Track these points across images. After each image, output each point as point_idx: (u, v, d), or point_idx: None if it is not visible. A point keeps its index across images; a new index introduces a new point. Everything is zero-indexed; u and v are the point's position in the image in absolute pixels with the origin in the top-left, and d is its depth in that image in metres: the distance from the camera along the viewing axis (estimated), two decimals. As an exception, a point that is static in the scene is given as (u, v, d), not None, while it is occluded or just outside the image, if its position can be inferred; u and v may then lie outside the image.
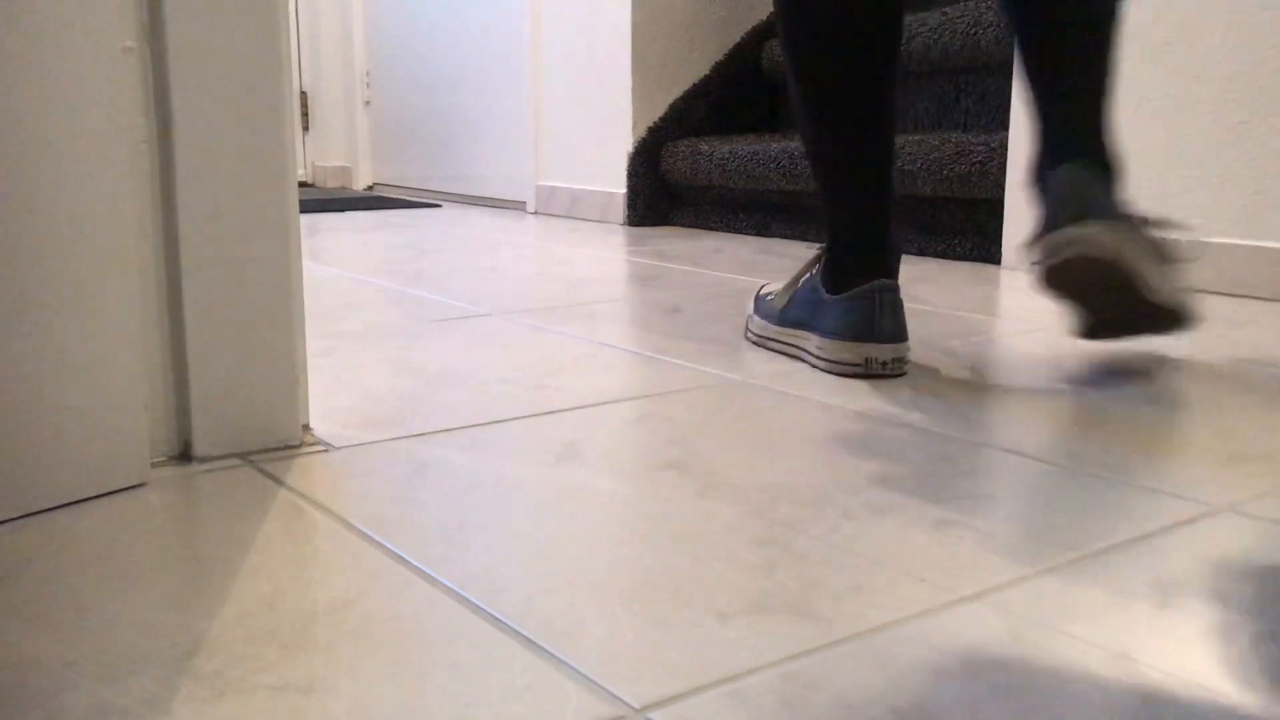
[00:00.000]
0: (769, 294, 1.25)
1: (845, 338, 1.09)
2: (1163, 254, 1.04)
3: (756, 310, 1.26)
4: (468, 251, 2.07)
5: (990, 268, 1.85)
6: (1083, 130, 1.06)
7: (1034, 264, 1.03)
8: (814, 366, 1.13)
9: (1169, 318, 1.06)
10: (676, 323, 1.36)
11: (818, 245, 1.17)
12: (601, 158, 2.65)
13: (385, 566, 0.64)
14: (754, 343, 1.25)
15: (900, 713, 0.48)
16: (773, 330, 1.22)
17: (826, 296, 1.13)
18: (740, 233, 2.40)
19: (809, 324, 1.15)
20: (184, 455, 0.82)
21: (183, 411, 0.82)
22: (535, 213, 2.86)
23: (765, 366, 1.13)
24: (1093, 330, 1.13)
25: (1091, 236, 0.97)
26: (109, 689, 0.50)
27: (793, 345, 1.19)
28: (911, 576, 0.62)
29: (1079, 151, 1.04)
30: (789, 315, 1.19)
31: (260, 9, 0.80)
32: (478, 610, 0.58)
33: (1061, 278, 1.02)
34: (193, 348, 0.81)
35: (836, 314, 1.11)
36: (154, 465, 0.81)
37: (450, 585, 0.61)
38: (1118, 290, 1.01)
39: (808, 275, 1.19)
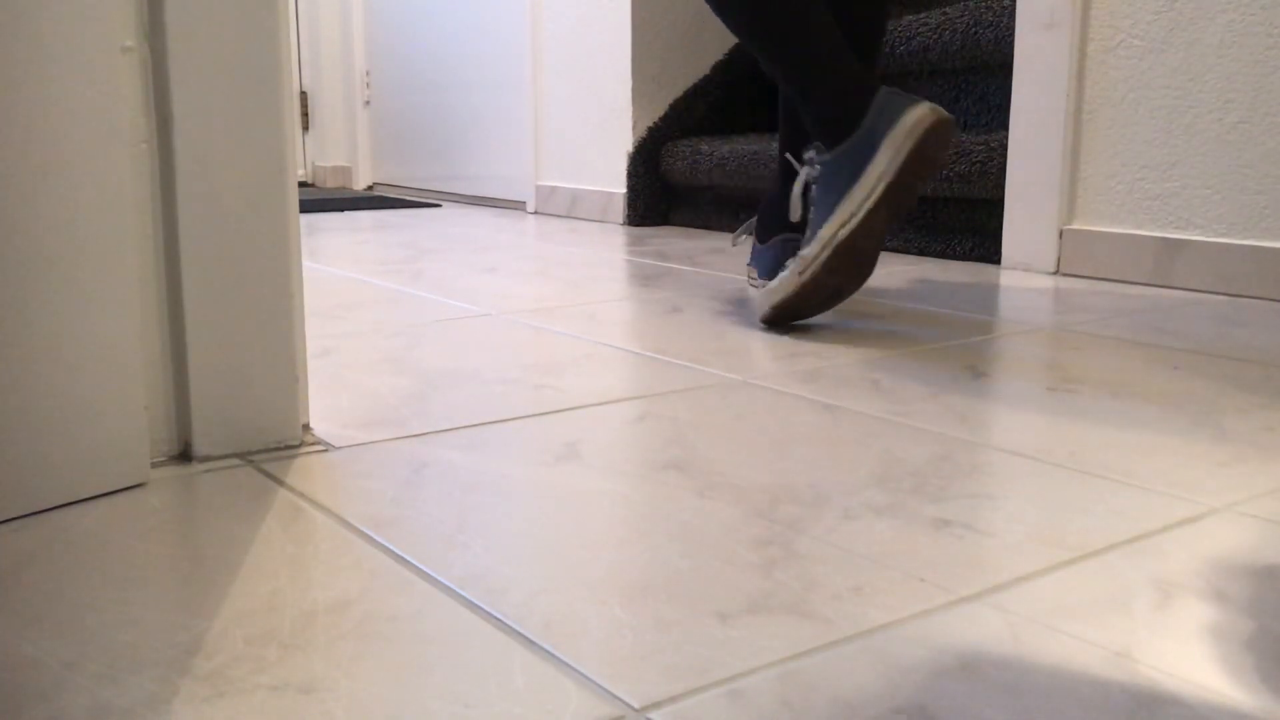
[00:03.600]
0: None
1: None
2: None
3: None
4: (468, 251, 2.07)
5: (990, 268, 1.85)
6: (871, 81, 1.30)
7: (896, 152, 1.22)
8: None
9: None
10: (676, 323, 1.36)
11: None
12: (601, 158, 2.65)
13: (385, 566, 0.64)
14: None
15: (900, 712, 0.48)
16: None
17: None
18: (740, 233, 2.39)
19: None
20: (184, 455, 0.82)
21: (183, 411, 0.82)
22: (535, 213, 2.86)
23: (765, 366, 1.13)
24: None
25: (930, 107, 1.21)
26: (109, 689, 0.50)
27: None
28: (911, 576, 0.62)
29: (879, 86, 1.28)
30: None
31: (260, 9, 0.80)
32: (478, 610, 0.58)
33: (923, 148, 1.21)
34: (193, 348, 0.81)
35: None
36: (154, 465, 0.81)
37: (450, 585, 0.61)
38: (949, 148, 1.24)
39: None
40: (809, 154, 1.31)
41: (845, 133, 1.26)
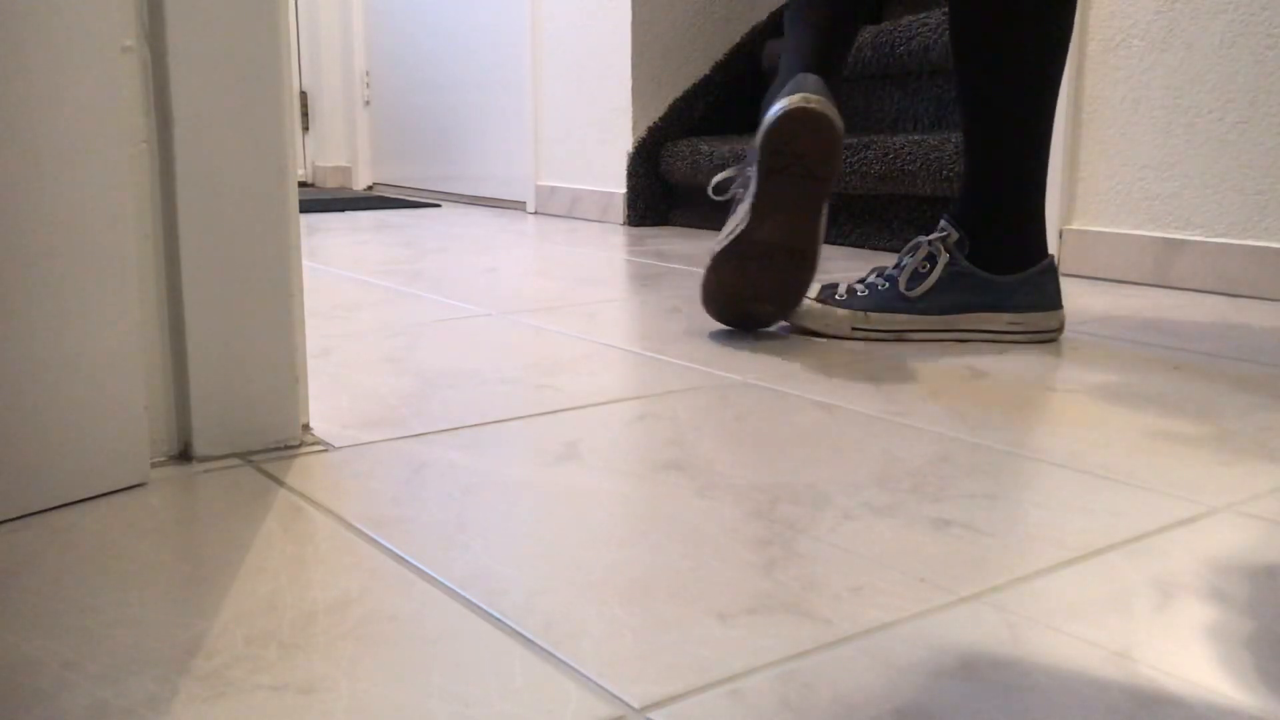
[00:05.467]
0: (853, 290, 1.28)
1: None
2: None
3: (862, 306, 1.26)
4: (468, 251, 2.07)
5: (990, 268, 1.84)
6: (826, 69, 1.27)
7: (765, 127, 1.18)
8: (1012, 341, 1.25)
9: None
10: (676, 323, 1.36)
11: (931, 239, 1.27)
12: (601, 158, 2.65)
13: (385, 566, 0.64)
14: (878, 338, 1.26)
15: (900, 713, 0.48)
16: (924, 322, 1.25)
17: (986, 275, 1.24)
18: (740, 233, 2.39)
19: (982, 306, 1.24)
20: (184, 455, 0.82)
21: (183, 411, 0.82)
22: (535, 213, 2.86)
23: (765, 366, 1.13)
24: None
25: (789, 99, 1.16)
26: (109, 689, 0.50)
27: (966, 330, 1.25)
28: (911, 576, 0.62)
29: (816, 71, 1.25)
30: (944, 301, 1.24)
31: (260, 9, 0.80)
32: (478, 610, 0.58)
33: (782, 129, 1.17)
34: (193, 348, 0.81)
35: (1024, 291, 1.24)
36: (154, 465, 0.81)
37: (450, 585, 0.61)
38: (820, 139, 1.17)
39: (934, 261, 1.25)
40: None
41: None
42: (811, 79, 1.17)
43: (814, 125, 1.16)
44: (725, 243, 1.23)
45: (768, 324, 1.29)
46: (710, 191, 1.31)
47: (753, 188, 1.20)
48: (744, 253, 1.22)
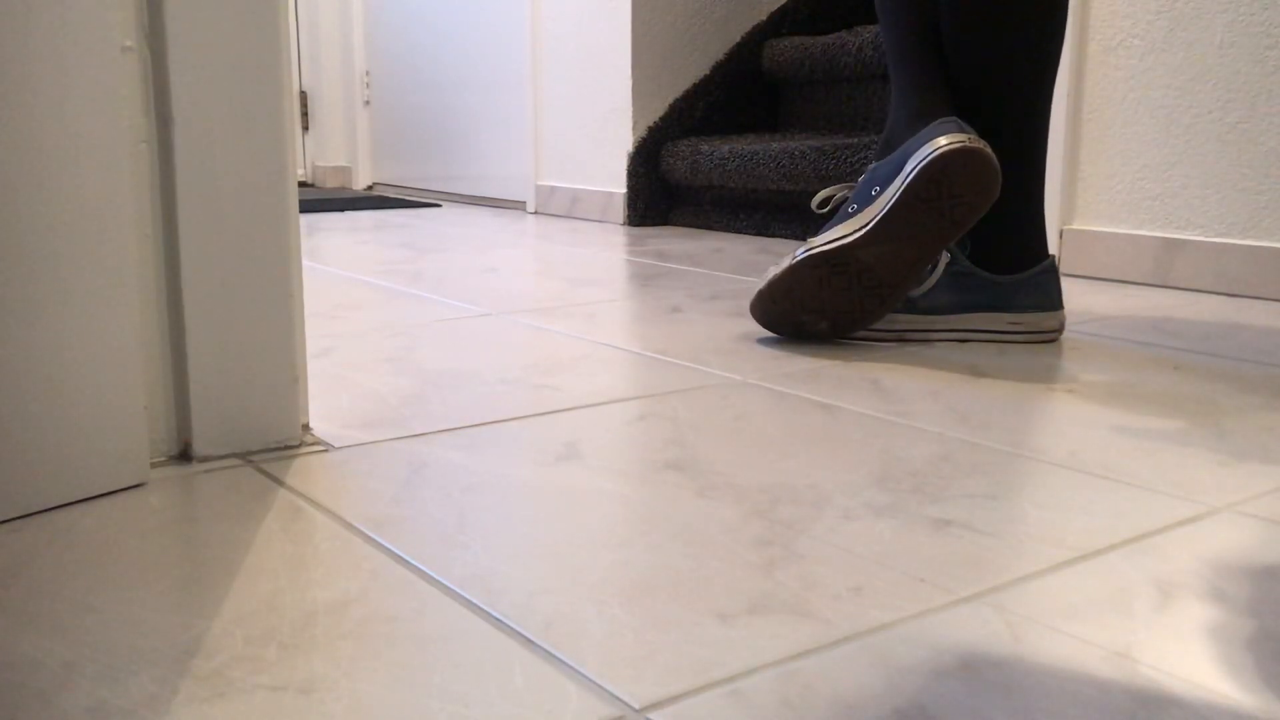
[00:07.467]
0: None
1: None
2: None
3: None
4: (468, 251, 2.07)
5: (990, 268, 1.84)
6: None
7: (925, 159, 1.16)
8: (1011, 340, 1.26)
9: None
10: (676, 323, 1.36)
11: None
12: (601, 158, 2.65)
13: (385, 566, 0.64)
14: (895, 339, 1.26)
15: (900, 713, 0.48)
16: (924, 322, 1.25)
17: (984, 273, 1.24)
18: (740, 232, 2.40)
19: (975, 306, 1.25)
20: (184, 455, 0.82)
21: (183, 411, 0.82)
22: (535, 213, 2.86)
23: (765, 366, 1.13)
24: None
25: (953, 137, 1.16)
26: (109, 689, 0.50)
27: (970, 330, 1.26)
28: (911, 576, 0.62)
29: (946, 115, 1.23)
30: (941, 301, 1.24)
31: (260, 9, 0.80)
32: (478, 610, 0.58)
33: (949, 163, 1.16)
34: (193, 348, 0.81)
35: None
36: (154, 465, 0.81)
37: (450, 585, 0.61)
38: (982, 185, 1.16)
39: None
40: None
41: (889, 149, 1.23)
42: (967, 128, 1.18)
43: (982, 171, 1.15)
44: (823, 248, 1.19)
45: (814, 339, 1.25)
46: (814, 205, 1.28)
47: (883, 207, 1.18)
48: (837, 264, 1.19)
